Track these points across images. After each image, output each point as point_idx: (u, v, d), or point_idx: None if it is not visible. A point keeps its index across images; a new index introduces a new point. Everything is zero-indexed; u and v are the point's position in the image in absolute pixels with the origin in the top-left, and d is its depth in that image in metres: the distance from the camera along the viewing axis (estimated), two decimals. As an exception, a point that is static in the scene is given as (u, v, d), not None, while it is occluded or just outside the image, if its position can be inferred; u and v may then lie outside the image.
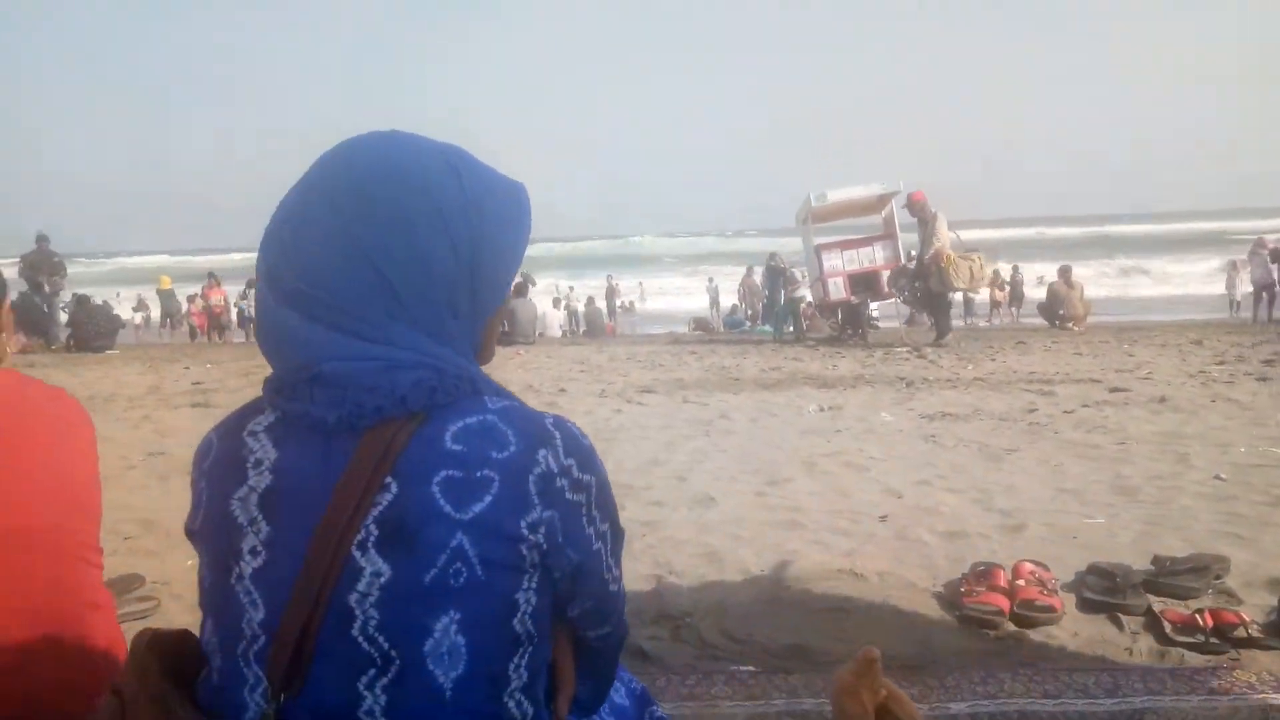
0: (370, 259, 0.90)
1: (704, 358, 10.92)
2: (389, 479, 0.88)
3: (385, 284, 0.91)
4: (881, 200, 13.68)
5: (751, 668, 2.40)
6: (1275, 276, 17.05)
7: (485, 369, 1.04)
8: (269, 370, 0.98)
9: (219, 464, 0.97)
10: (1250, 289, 17.85)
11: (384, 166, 0.93)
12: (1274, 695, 2.12)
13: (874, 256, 13.35)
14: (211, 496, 0.96)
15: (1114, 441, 5.09)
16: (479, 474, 0.90)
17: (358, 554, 0.87)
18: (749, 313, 21.75)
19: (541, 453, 0.93)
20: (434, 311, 0.94)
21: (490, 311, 1.00)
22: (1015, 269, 22.62)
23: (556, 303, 21.74)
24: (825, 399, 7.10)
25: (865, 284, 13.24)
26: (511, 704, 0.92)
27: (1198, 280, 25.31)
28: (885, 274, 13.12)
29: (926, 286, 11.61)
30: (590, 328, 20.50)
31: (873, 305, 14.08)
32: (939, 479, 4.35)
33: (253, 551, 0.91)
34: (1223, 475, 4.20)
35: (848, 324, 13.53)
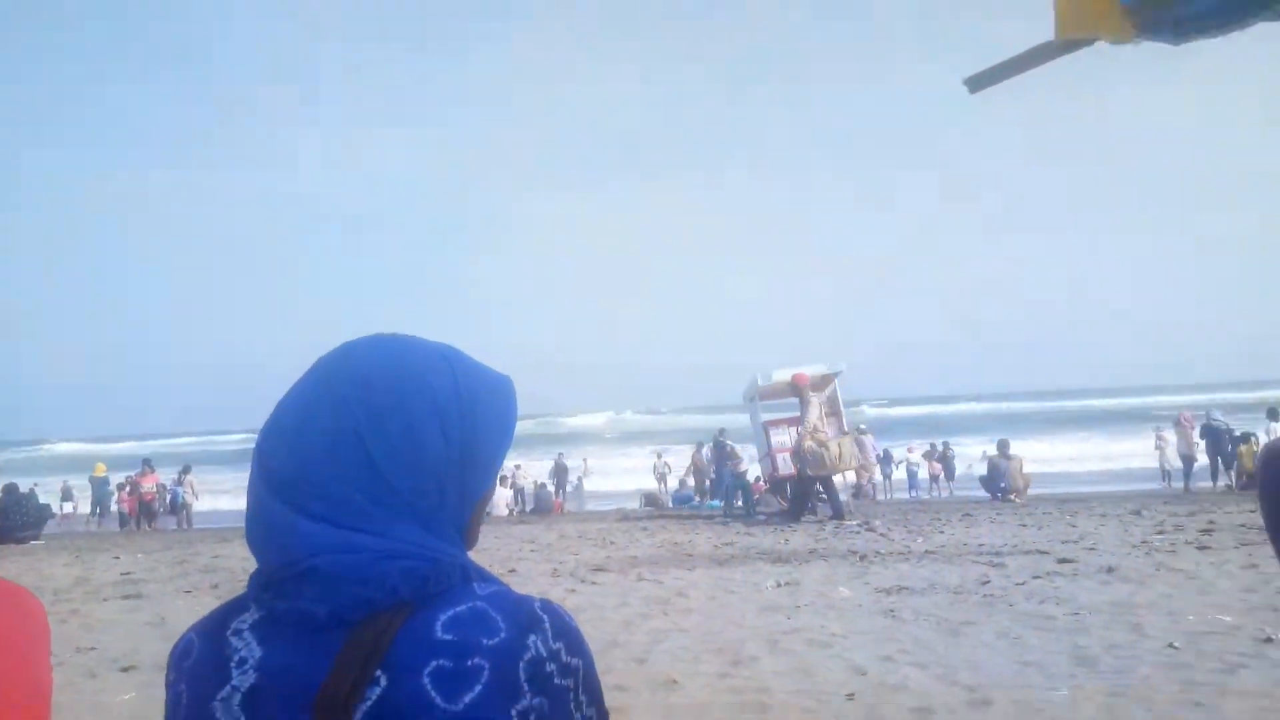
0: (365, 446, 0.95)
1: (655, 534, 10.82)
2: (379, 672, 0.89)
3: (380, 475, 0.95)
4: (825, 379, 14.14)
5: None
6: (1195, 450, 17.84)
7: None
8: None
9: (200, 664, 0.96)
10: (1179, 462, 18.53)
11: (384, 358, 1.01)
12: None
13: (845, 433, 13.65)
14: (192, 699, 0.95)
15: (1067, 612, 5.13)
16: (469, 663, 0.90)
17: None
18: (697, 489, 21.75)
19: (531, 638, 0.95)
20: (426, 501, 0.98)
21: (478, 498, 1.04)
22: (946, 444, 23.21)
23: (503, 480, 21.46)
24: (781, 574, 7.06)
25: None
26: None
27: (1126, 454, 26.18)
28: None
29: (802, 470, 11.89)
30: (538, 505, 20.21)
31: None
32: (902, 654, 4.31)
33: None
34: (1176, 644, 4.25)
35: (797, 499, 13.60)
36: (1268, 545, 5.16)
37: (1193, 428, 18.33)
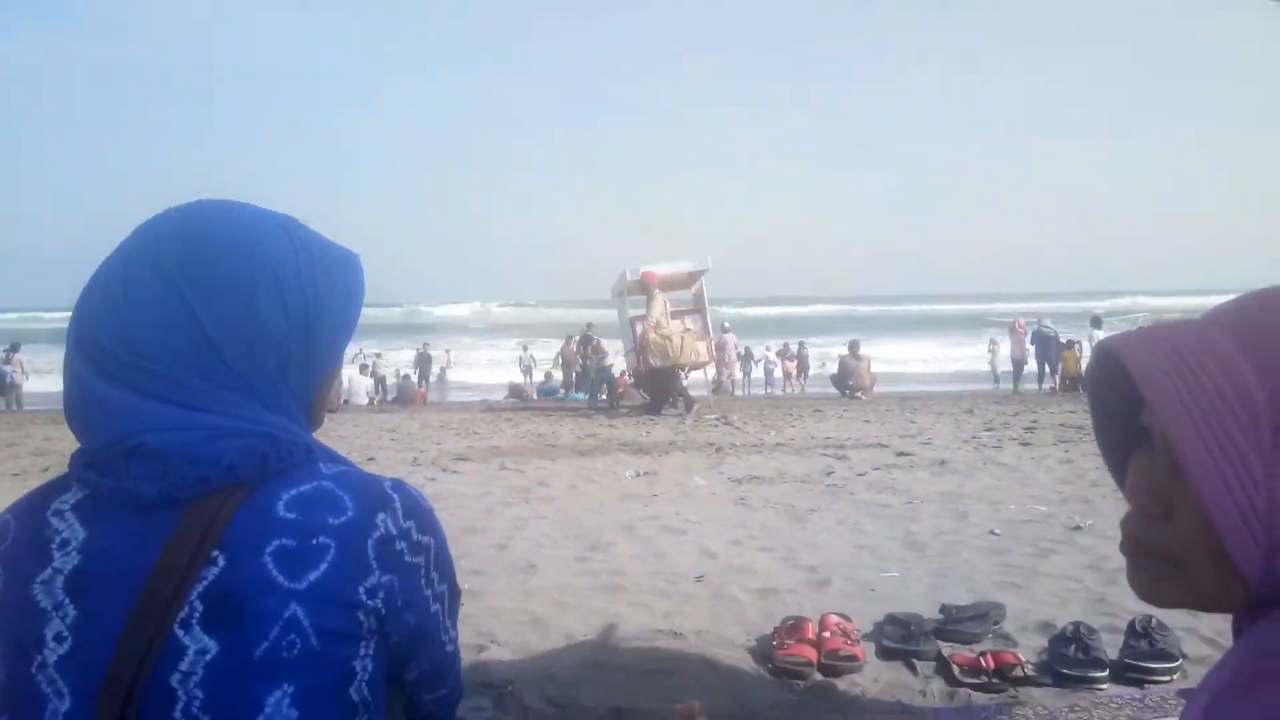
0: (200, 324, 0.87)
1: (519, 425, 10.87)
2: (216, 552, 0.84)
3: (214, 350, 0.88)
4: (692, 277, 14.31)
5: (576, 733, 2.38)
6: (1027, 354, 19.31)
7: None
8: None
9: (18, 546, 0.89)
10: (1010, 365, 20.05)
11: (216, 226, 0.92)
12: (1046, 725, 2.34)
13: (685, 329, 13.89)
14: (10, 582, 0.88)
15: (903, 501, 5.51)
16: (314, 541, 0.87)
17: (180, 632, 0.82)
18: (563, 382, 21.91)
19: (380, 516, 0.92)
20: (265, 378, 0.92)
21: (323, 377, 0.99)
22: (801, 344, 24.25)
23: (364, 369, 20.94)
24: (641, 465, 7.25)
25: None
26: None
27: (967, 358, 28.01)
28: (696, 345, 13.66)
29: (648, 363, 12.24)
30: (400, 395, 19.88)
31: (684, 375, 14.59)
32: (750, 539, 4.54)
33: (58, 638, 0.84)
34: (996, 530, 4.64)
35: (652, 392, 13.91)
36: (1082, 442, 5.67)
37: (1025, 333, 19.72)
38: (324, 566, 0.87)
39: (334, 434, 10.10)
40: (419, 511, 0.97)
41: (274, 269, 0.91)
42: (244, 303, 0.89)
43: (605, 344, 16.80)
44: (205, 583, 0.84)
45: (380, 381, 22.04)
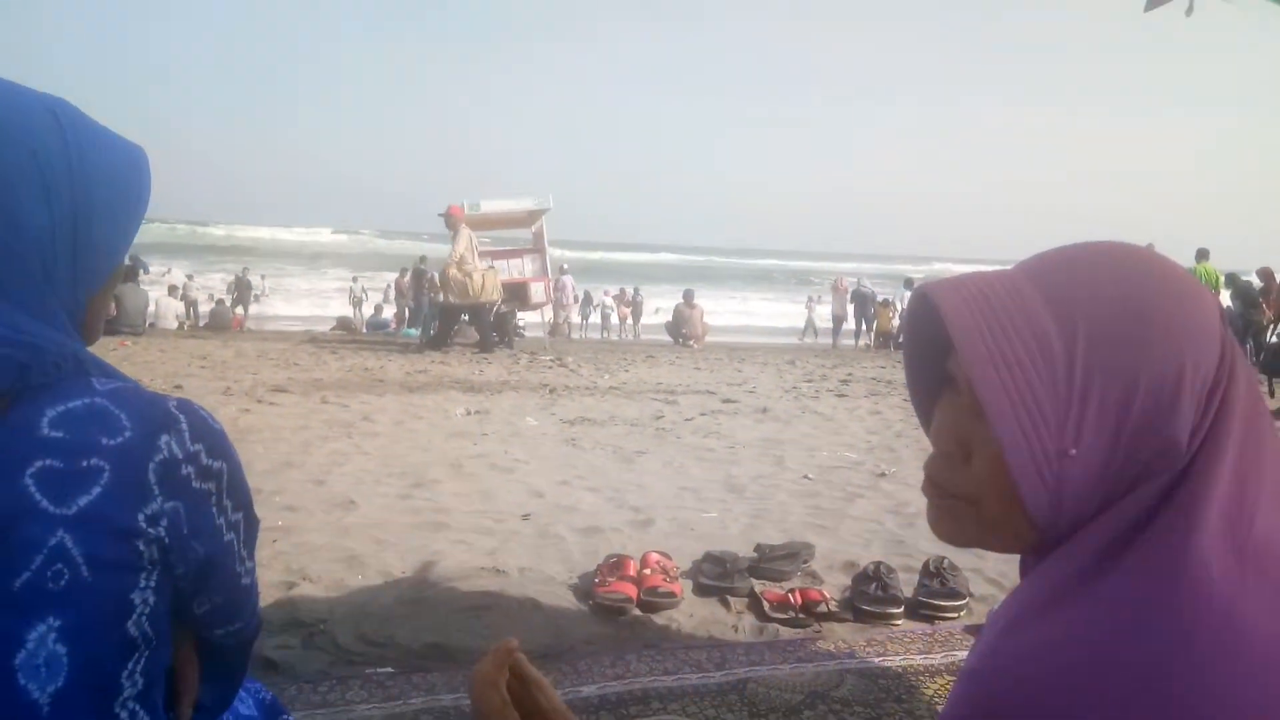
0: None
1: (345, 358, 10.43)
2: None
3: None
4: (532, 215, 14.07)
5: (389, 669, 2.33)
6: (847, 311, 20.45)
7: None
8: None
9: None
10: (829, 321, 21.20)
11: None
12: (847, 660, 2.50)
13: (523, 269, 13.71)
14: None
15: (725, 446, 5.71)
16: (85, 463, 0.80)
17: None
18: (395, 316, 21.20)
19: (163, 438, 0.85)
20: (26, 278, 0.82)
21: (97, 284, 0.89)
22: (636, 290, 24.59)
23: (173, 291, 19.42)
24: (472, 403, 7.14)
25: (514, 294, 13.52)
26: (124, 714, 0.83)
27: (793, 313, 29.35)
28: (533, 285, 13.52)
29: (446, 299, 12.14)
30: (214, 321, 18.61)
31: (519, 315, 14.44)
32: (578, 479, 4.57)
33: None
34: (810, 475, 4.89)
35: (495, 331, 13.71)
36: (891, 395, 6.07)
37: (846, 292, 20.83)
38: (96, 491, 0.79)
39: (138, 359, 9.34)
40: (209, 434, 0.90)
41: (35, 155, 0.81)
42: None
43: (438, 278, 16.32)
44: None
45: (192, 305, 20.55)
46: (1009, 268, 0.68)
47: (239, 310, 21.34)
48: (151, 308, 15.73)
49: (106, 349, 9.94)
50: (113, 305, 13.59)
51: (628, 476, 4.71)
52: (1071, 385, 0.58)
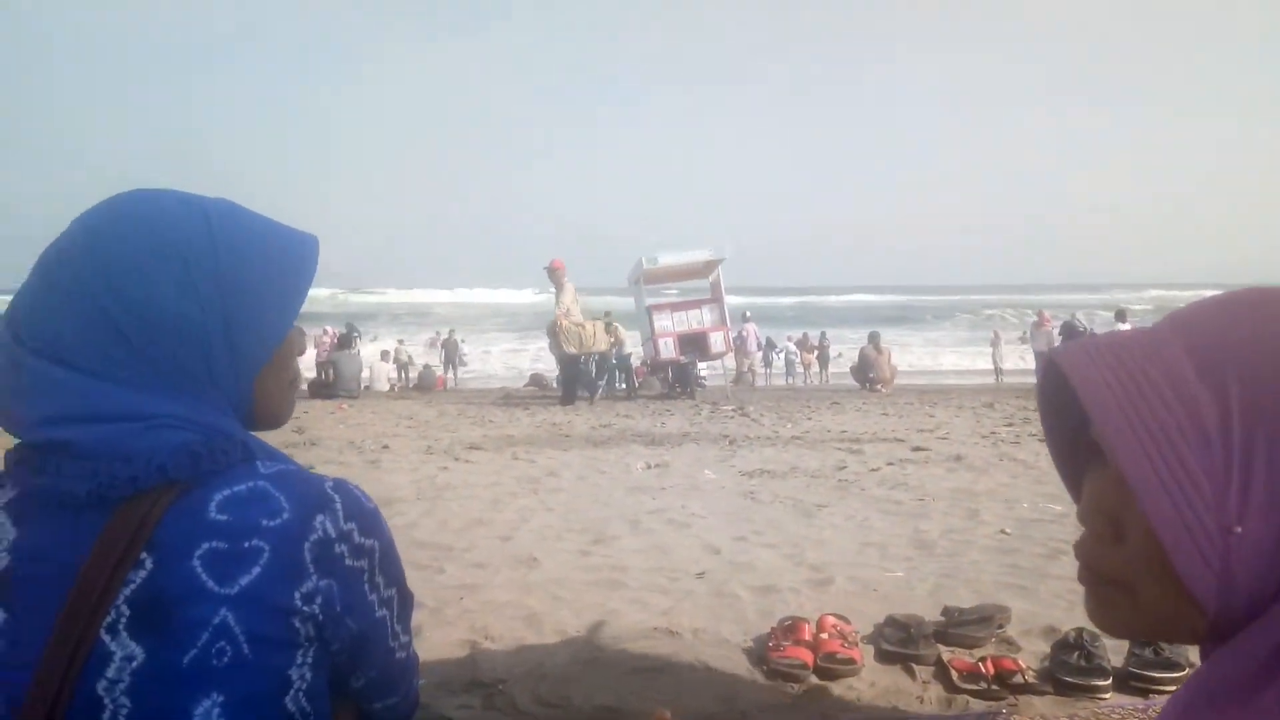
0: (109, 316, 0.85)
1: (535, 414, 10.87)
2: (144, 555, 0.83)
3: (128, 343, 0.85)
4: (709, 265, 14.24)
5: (564, 733, 2.36)
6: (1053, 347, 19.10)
7: (278, 431, 1.00)
8: None
9: None
10: (1014, 358, 19.85)
11: (123, 216, 0.89)
12: (1043, 735, 2.29)
13: (702, 319, 13.85)
14: None
15: (914, 498, 5.44)
16: (247, 544, 0.86)
17: (107, 637, 0.81)
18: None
19: (319, 518, 0.90)
20: (191, 374, 0.89)
21: (257, 368, 0.95)
22: (823, 335, 24.08)
23: (385, 355, 21.05)
24: (653, 456, 7.22)
25: (694, 344, 13.67)
26: None
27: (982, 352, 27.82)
28: (712, 335, 13.62)
29: (559, 348, 12.25)
30: (421, 382, 19.98)
31: (701, 365, 14.55)
32: (755, 535, 4.50)
33: None
34: (1008, 529, 4.56)
35: (677, 382, 13.87)
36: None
37: (1051, 327, 19.49)
38: (256, 570, 0.85)
39: (353, 421, 10.15)
40: (362, 513, 0.94)
41: (183, 254, 0.88)
42: (146, 289, 0.85)
43: (623, 332, 16.76)
44: (133, 586, 0.82)
45: (404, 368, 22.16)
46: (1152, 325, 0.62)
47: (444, 372, 22.76)
48: (366, 372, 17.10)
49: (326, 413, 10.89)
50: (331, 371, 14.84)
51: (807, 531, 4.58)
52: (1230, 453, 0.52)
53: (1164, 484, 0.52)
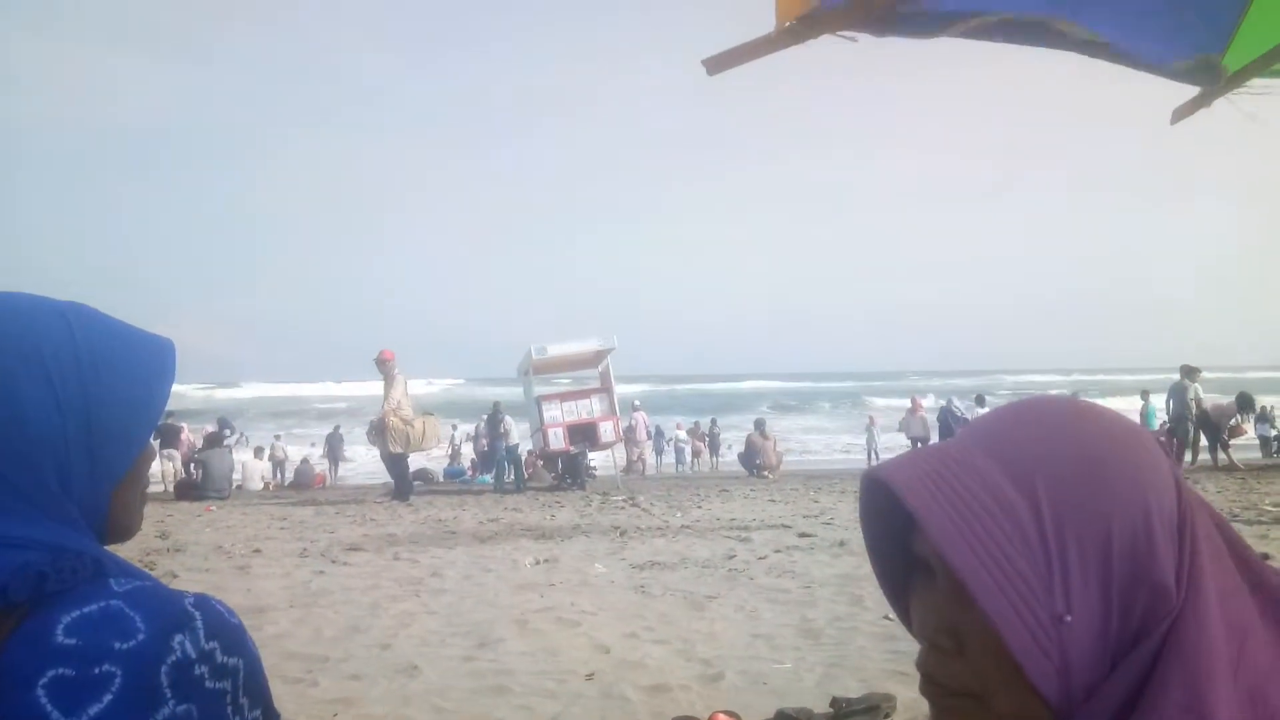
0: None
1: (420, 510, 10.54)
2: None
3: None
4: (598, 355, 14.35)
5: None
6: (929, 433, 19.95)
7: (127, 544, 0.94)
8: None
9: None
10: (887, 442, 20.65)
11: None
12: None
13: (591, 408, 13.86)
14: None
15: (801, 585, 5.50)
16: (97, 670, 0.79)
17: None
18: (473, 461, 21.46)
19: (177, 638, 0.84)
20: (41, 482, 0.83)
21: (117, 477, 0.90)
22: (714, 422, 24.44)
23: (259, 452, 20.10)
24: (542, 551, 7.08)
25: (583, 434, 13.63)
26: None
27: (852, 433, 28.82)
28: (602, 425, 13.62)
29: (384, 445, 11.92)
30: (298, 480, 19.12)
31: (590, 455, 14.50)
32: (646, 630, 4.43)
33: None
34: (891, 615, 4.64)
35: (567, 473, 13.76)
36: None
37: (921, 411, 20.36)
38: (108, 699, 0.78)
39: (222, 524, 9.58)
40: (225, 630, 0.88)
41: (43, 362, 0.83)
42: (6, 401, 0.80)
43: (511, 423, 16.59)
44: None
45: (279, 465, 21.18)
46: (952, 439, 0.66)
47: (322, 469, 21.85)
48: (238, 471, 16.27)
49: (192, 515, 10.26)
50: (199, 471, 13.96)
51: (698, 625, 4.54)
52: (1047, 547, 0.56)
53: (999, 585, 0.55)
